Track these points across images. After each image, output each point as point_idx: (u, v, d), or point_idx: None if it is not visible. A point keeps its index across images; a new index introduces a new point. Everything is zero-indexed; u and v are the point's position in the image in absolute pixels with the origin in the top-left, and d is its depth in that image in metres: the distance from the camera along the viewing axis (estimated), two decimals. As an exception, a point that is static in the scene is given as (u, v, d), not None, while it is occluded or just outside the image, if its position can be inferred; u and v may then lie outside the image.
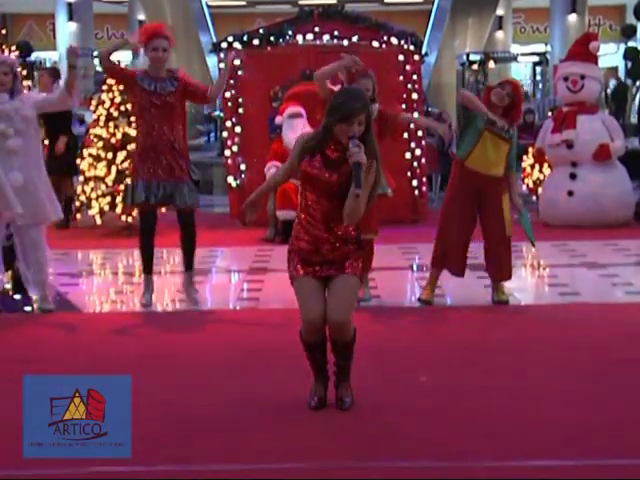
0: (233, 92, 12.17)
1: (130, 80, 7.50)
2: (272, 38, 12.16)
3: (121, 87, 11.03)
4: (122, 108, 11.68)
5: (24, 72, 12.53)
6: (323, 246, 4.94)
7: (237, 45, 12.15)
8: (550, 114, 13.70)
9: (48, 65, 28.50)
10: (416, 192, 12.15)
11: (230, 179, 12.36)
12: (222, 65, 12.38)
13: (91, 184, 11.74)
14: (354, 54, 7.45)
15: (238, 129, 12.02)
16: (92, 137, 11.87)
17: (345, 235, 4.96)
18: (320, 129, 4.96)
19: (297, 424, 4.93)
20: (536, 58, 26.35)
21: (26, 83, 12.63)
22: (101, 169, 11.62)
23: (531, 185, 13.16)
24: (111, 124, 11.68)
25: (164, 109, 7.44)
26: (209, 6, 26.21)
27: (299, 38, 12.15)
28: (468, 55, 24.38)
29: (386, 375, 5.69)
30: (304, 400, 5.13)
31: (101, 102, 11.81)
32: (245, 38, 12.21)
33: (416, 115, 11.35)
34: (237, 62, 12.13)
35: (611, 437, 4.69)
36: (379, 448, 4.59)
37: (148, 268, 7.81)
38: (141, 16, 27.57)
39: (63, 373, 5.30)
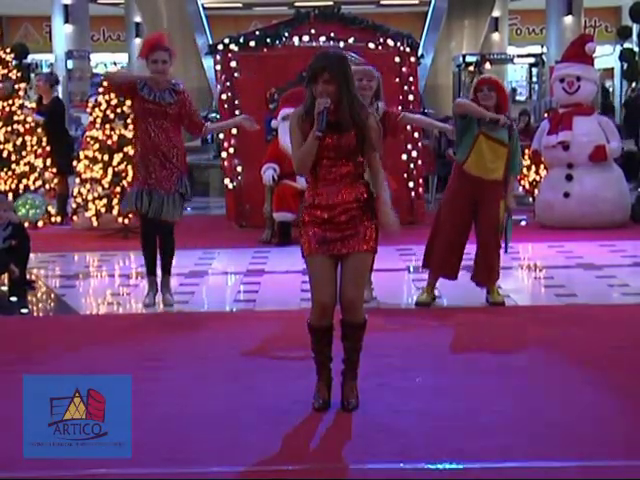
0: (229, 94, 12.18)
1: (132, 90, 7.50)
2: (268, 40, 12.16)
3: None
4: (118, 110, 11.70)
5: (19, 74, 12.55)
6: (339, 214, 4.93)
7: (233, 47, 12.16)
8: (546, 116, 13.71)
9: (44, 67, 28.55)
10: (412, 194, 12.15)
11: (227, 181, 12.37)
12: (218, 67, 12.41)
13: (87, 186, 11.75)
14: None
15: (234, 131, 12.01)
16: (88, 139, 11.87)
17: (359, 197, 5.01)
18: (307, 98, 4.98)
19: (296, 425, 4.93)
20: (532, 60, 26.36)
21: (22, 86, 12.65)
22: (97, 171, 11.63)
23: (527, 187, 13.21)
24: (107, 126, 11.69)
25: (162, 119, 7.44)
26: (205, 8, 26.20)
27: (295, 40, 12.15)
28: (464, 57, 24.43)
29: (384, 376, 5.69)
30: (303, 401, 5.13)
31: (97, 104, 11.81)
32: (241, 40, 12.21)
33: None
34: (233, 64, 12.14)
35: (610, 437, 4.70)
36: (379, 448, 4.59)
37: (151, 269, 7.82)
38: (137, 18, 27.54)
39: (63, 373, 5.33)
